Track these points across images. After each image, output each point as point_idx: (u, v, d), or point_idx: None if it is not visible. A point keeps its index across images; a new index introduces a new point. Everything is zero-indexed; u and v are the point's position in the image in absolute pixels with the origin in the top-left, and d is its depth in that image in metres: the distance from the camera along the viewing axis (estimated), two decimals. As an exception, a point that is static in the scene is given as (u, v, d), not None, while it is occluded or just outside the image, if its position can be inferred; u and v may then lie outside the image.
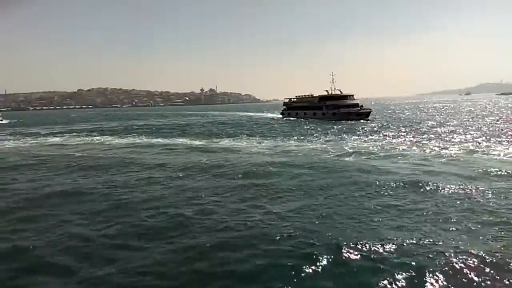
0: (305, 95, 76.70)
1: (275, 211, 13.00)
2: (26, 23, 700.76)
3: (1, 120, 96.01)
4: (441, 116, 66.57)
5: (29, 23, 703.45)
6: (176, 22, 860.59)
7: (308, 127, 50.92)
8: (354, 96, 66.68)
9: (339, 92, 69.09)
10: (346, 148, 28.10)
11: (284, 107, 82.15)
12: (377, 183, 16.15)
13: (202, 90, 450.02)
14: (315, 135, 39.45)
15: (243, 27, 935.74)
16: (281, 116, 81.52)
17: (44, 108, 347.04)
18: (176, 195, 16.02)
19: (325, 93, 71.05)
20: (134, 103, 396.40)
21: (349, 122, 56.70)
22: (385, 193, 14.71)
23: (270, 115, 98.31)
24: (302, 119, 69.08)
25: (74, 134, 53.87)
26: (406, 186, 15.61)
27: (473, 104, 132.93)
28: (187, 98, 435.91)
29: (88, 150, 33.11)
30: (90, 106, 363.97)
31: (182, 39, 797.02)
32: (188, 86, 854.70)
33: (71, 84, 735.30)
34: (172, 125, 67.09)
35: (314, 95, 72.93)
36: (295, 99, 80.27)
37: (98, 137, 46.82)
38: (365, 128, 45.07)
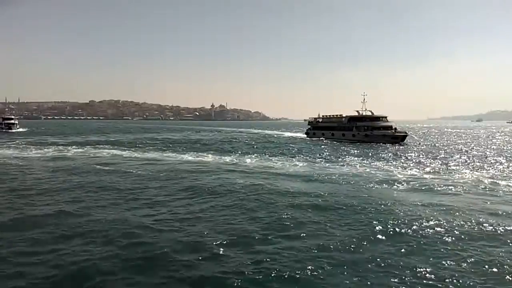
0: (333, 115, 73.53)
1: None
2: (40, 34, 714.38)
3: (18, 128, 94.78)
4: (476, 142, 62.97)
5: (43, 33, 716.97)
6: (188, 36, 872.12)
7: (342, 149, 47.68)
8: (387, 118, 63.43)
9: (369, 113, 65.75)
10: (400, 176, 24.84)
11: (309, 126, 79.24)
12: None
13: (212, 106, 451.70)
14: (352, 158, 36.31)
15: (255, 45, 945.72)
16: (305, 135, 78.54)
17: (56, 117, 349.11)
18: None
19: (354, 113, 67.63)
20: (145, 116, 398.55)
21: (383, 145, 53.24)
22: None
23: (288, 134, 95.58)
24: (329, 140, 65.78)
25: (96, 145, 51.65)
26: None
27: (496, 130, 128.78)
28: (197, 113, 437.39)
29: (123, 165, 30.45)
30: (101, 118, 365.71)
31: (194, 53, 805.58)
32: (198, 101, 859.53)
33: (83, 95, 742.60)
34: (197, 141, 64.61)
35: (343, 115, 69.51)
36: (320, 119, 77.30)
37: (136, 153, 44.02)
38: (408, 154, 41.64)
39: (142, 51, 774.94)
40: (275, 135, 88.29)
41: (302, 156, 39.19)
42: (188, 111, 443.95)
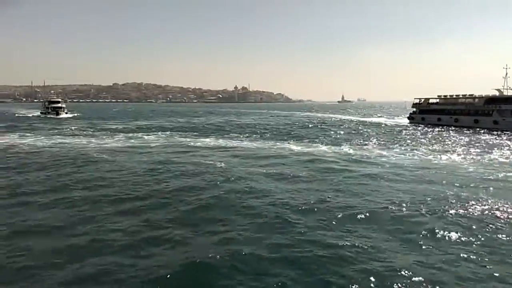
0: (456, 95, 59.92)
1: None
2: (65, 16, 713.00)
3: (66, 113, 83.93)
4: None
5: (67, 16, 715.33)
6: (209, 17, 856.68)
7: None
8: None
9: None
10: None
11: (414, 109, 66.67)
12: None
13: (236, 88, 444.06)
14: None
15: (275, 26, 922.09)
16: (407, 121, 66.98)
17: (81, 100, 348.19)
18: None
19: (495, 92, 54.25)
20: (168, 98, 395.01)
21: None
22: None
23: (349, 117, 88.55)
24: (452, 127, 53.34)
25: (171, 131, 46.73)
26: None
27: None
28: (220, 96, 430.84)
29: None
30: (125, 100, 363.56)
31: (214, 36, 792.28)
32: (219, 84, 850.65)
33: (105, 79, 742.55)
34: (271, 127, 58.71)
35: (475, 95, 56.68)
36: (436, 100, 63.52)
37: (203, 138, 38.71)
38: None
39: (163, 33, 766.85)
40: (354, 120, 77.29)
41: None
42: (211, 94, 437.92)
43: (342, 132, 47.50)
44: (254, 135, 43.57)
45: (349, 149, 31.04)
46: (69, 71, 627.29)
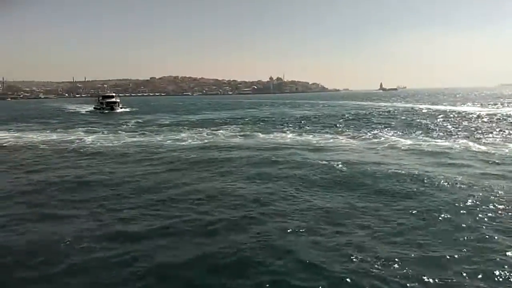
0: None
1: None
2: (103, 15, 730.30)
3: (121, 108, 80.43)
4: None
5: (104, 14, 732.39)
6: (239, 13, 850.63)
7: None
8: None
9: None
10: None
11: None
12: None
13: (271, 78, 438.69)
14: None
15: (307, 15, 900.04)
16: None
17: (120, 94, 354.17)
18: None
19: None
20: (204, 91, 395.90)
21: None
22: None
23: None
24: None
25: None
26: None
27: None
28: (255, 87, 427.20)
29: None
30: (162, 94, 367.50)
31: (245, 28, 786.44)
32: (253, 75, 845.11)
33: (142, 73, 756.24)
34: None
35: None
36: None
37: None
38: None
39: (196, 26, 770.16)
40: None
41: None
42: (245, 85, 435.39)
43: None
44: (346, 129, 38.82)
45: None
46: (108, 67, 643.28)
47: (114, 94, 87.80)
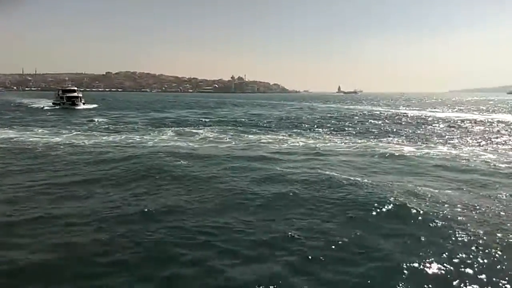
0: None
1: None
2: (56, 4, 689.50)
3: (84, 104, 72.78)
4: None
5: (58, 3, 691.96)
6: (202, 7, 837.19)
7: None
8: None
9: None
10: None
11: None
12: None
13: (233, 77, 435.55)
14: None
15: (269, 17, 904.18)
16: None
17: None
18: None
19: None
20: (163, 88, 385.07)
21: None
22: None
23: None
24: None
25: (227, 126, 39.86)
26: None
27: None
28: (216, 86, 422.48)
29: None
30: (119, 90, 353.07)
31: (209, 26, 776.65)
32: (214, 74, 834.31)
33: (98, 68, 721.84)
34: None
35: None
36: None
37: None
38: None
39: (157, 23, 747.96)
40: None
41: None
42: (206, 83, 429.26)
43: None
44: (330, 131, 37.68)
45: None
46: (60, 60, 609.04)
47: (75, 88, 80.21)
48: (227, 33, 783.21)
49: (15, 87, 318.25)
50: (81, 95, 75.83)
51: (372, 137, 33.38)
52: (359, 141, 30.34)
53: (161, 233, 10.84)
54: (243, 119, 52.85)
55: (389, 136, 33.72)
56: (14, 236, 10.68)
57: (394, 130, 39.68)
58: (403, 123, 49.09)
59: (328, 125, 45.44)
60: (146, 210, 12.64)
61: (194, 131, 36.30)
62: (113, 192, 15.05)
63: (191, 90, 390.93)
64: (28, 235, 10.72)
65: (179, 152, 23.98)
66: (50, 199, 14.10)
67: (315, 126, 43.82)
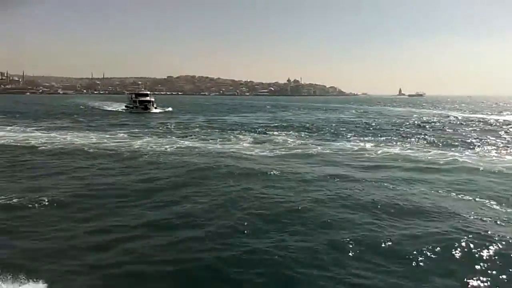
0: None
1: None
2: (124, 15, 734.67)
3: (156, 108, 73.38)
4: None
5: (123, 10, 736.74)
6: (257, 15, 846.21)
7: None
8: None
9: None
10: None
11: None
12: None
13: (289, 80, 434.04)
14: None
15: (327, 18, 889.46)
16: None
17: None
18: None
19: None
20: (221, 91, 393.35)
21: None
22: None
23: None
24: None
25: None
26: None
27: None
28: (272, 89, 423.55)
29: None
30: (179, 93, 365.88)
31: (263, 29, 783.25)
32: (270, 76, 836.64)
33: (159, 72, 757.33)
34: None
35: None
36: None
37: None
38: None
39: (215, 27, 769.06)
40: None
41: None
42: (262, 86, 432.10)
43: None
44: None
45: None
46: (126, 65, 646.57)
47: (148, 93, 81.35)
48: (284, 36, 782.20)
49: (84, 90, 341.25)
50: (153, 99, 76.81)
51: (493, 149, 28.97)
52: (472, 154, 26.42)
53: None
54: (313, 124, 50.60)
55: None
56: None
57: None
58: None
59: (414, 131, 41.66)
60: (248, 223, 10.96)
61: (272, 137, 34.73)
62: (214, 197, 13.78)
63: (247, 93, 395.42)
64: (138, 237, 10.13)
65: (268, 161, 22.38)
66: (153, 202, 13.25)
67: (400, 132, 40.25)
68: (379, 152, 26.18)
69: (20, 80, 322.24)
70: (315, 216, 12.52)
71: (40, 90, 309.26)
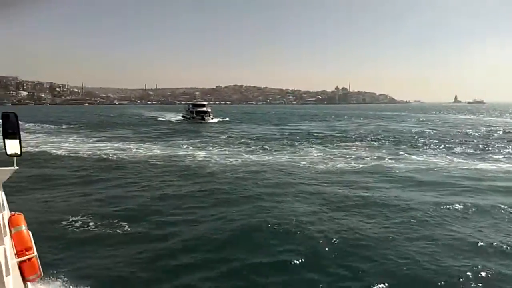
0: None
1: None
2: (176, 29, 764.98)
3: (212, 119, 73.88)
4: None
5: (176, 24, 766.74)
6: (305, 22, 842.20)
7: None
8: None
9: None
10: None
11: None
12: None
13: (337, 88, 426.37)
14: None
15: (376, 25, 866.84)
16: None
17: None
18: None
19: None
20: (268, 100, 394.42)
21: None
22: None
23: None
24: None
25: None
26: None
27: None
28: (319, 97, 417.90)
29: None
30: (227, 102, 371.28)
31: (313, 36, 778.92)
32: (317, 85, 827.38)
33: (208, 82, 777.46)
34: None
35: None
36: None
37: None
38: None
39: (260, 37, 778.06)
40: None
41: None
42: (309, 95, 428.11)
43: None
44: None
45: None
46: (175, 76, 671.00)
47: (205, 103, 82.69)
48: (332, 43, 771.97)
49: (138, 101, 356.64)
50: (209, 110, 77.19)
51: None
52: None
53: None
54: (378, 134, 47.37)
55: None
56: None
57: None
58: None
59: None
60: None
61: (341, 149, 32.28)
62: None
63: (294, 102, 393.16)
64: None
65: (349, 178, 20.13)
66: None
67: (491, 144, 35.96)
68: (479, 167, 22.87)
69: (80, 91, 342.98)
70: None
71: (98, 101, 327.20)
